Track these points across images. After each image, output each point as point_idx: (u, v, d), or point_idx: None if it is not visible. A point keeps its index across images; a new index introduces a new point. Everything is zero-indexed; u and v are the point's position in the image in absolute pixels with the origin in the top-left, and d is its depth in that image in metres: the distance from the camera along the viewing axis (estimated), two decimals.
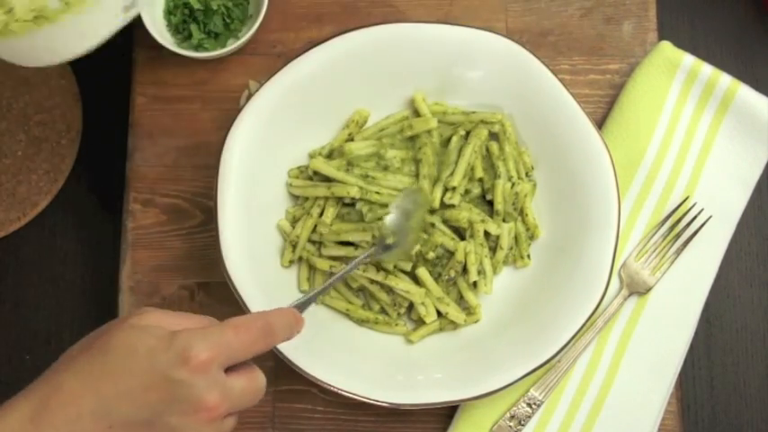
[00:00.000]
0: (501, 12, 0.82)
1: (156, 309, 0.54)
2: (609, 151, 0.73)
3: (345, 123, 0.76)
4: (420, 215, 0.72)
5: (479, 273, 0.72)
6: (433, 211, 0.74)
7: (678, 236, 0.76)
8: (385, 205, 0.73)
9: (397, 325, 0.73)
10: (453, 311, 0.72)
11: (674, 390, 0.74)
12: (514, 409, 0.72)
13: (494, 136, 0.76)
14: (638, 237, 0.76)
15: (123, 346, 0.51)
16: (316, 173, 0.74)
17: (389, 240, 0.71)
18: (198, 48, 0.79)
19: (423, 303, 0.72)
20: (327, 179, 0.73)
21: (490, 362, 0.70)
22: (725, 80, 0.77)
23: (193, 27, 0.79)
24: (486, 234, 0.73)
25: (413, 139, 0.76)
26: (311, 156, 0.76)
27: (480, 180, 0.75)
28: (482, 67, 0.75)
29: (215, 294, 0.76)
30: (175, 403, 0.50)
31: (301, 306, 0.61)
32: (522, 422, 0.72)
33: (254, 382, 0.54)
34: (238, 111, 0.73)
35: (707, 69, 0.78)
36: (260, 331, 0.54)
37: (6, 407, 0.50)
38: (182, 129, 0.80)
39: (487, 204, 0.75)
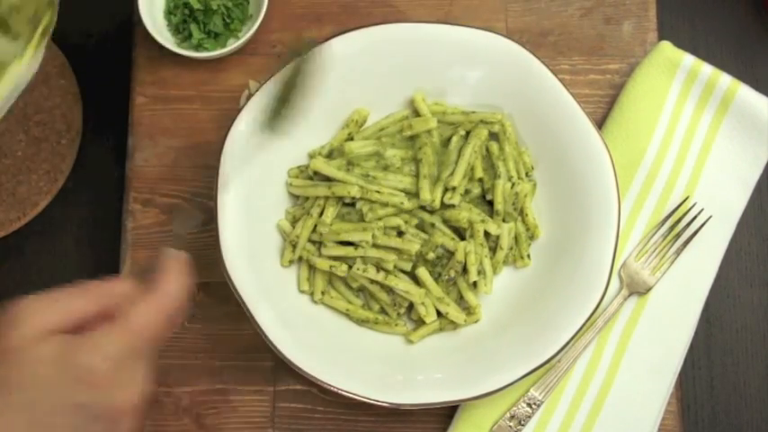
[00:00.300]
0: (501, 12, 0.82)
1: (31, 301, 0.51)
2: (609, 151, 0.73)
3: (345, 123, 0.76)
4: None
5: (479, 273, 0.72)
6: (433, 212, 0.74)
7: (678, 236, 0.76)
8: (386, 204, 0.73)
9: (397, 325, 0.73)
10: (453, 311, 0.72)
11: (674, 390, 0.74)
12: (514, 409, 0.72)
13: (494, 136, 0.76)
14: (638, 237, 0.76)
15: (16, 378, 0.48)
16: (316, 172, 0.74)
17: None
18: (198, 48, 0.79)
19: (423, 303, 0.72)
20: (328, 179, 0.73)
21: (490, 362, 0.70)
22: (725, 80, 0.77)
23: (193, 27, 0.79)
24: (486, 234, 0.73)
25: (413, 138, 0.76)
26: (311, 155, 0.76)
27: (480, 180, 0.75)
28: (482, 67, 0.75)
29: (215, 294, 0.76)
30: (93, 421, 0.49)
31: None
32: (522, 422, 0.72)
33: (160, 315, 0.51)
34: (238, 111, 0.73)
35: (707, 69, 0.78)
36: (163, 313, 0.51)
37: None
38: (182, 129, 0.80)
39: (487, 204, 0.75)
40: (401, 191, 0.73)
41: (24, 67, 0.69)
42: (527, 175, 0.76)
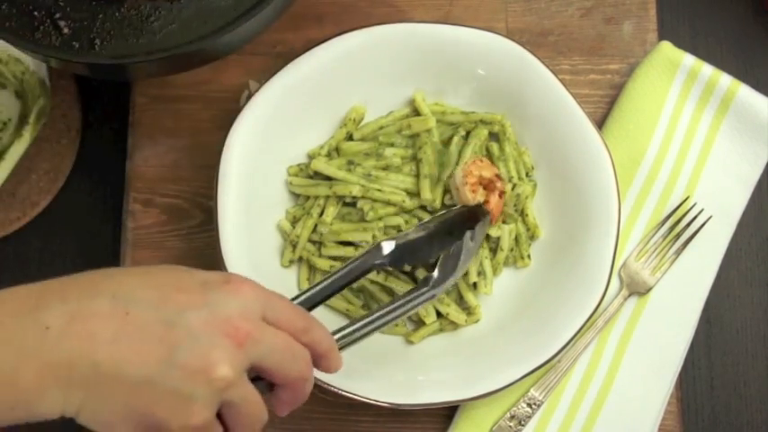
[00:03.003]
0: (501, 12, 0.82)
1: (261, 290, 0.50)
2: (609, 151, 0.73)
3: (343, 122, 0.76)
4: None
5: (479, 274, 0.72)
6: (433, 212, 0.74)
7: (678, 236, 0.76)
8: (387, 203, 0.72)
9: (397, 326, 0.73)
10: (453, 312, 0.72)
11: (674, 390, 0.74)
12: (514, 409, 0.72)
13: (494, 136, 0.76)
14: (639, 237, 0.76)
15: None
16: (316, 172, 0.74)
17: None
18: None
19: None
20: (328, 178, 0.73)
21: (490, 362, 0.70)
22: (725, 80, 0.77)
23: None
24: (487, 235, 0.73)
25: (413, 138, 0.76)
26: (311, 156, 0.76)
27: None
28: (482, 68, 0.75)
29: None
30: (204, 309, 0.45)
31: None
32: (523, 422, 0.72)
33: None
34: (238, 111, 0.73)
35: (707, 69, 0.78)
36: (297, 315, 0.52)
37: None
38: (182, 129, 0.80)
39: None
40: (402, 190, 0.73)
41: (23, 147, 0.76)
42: (527, 175, 0.76)
